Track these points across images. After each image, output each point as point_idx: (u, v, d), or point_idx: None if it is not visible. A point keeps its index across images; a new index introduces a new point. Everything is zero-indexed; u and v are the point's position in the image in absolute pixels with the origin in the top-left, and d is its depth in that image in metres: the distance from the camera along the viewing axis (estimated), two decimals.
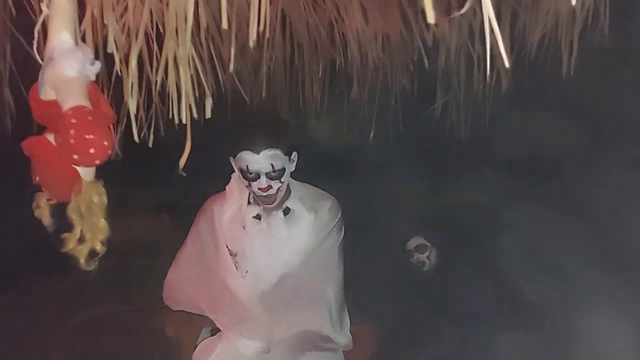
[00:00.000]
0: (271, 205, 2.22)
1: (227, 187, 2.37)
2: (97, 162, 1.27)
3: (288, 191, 2.31)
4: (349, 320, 2.35)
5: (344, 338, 2.25)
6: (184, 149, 1.25)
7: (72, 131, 1.23)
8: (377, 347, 3.36)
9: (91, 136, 1.23)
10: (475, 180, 3.63)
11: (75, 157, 1.25)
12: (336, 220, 2.33)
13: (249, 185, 2.17)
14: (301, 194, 2.34)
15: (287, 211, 2.29)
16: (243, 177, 2.17)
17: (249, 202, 2.32)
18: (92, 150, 1.24)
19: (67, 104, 1.25)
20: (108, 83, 1.81)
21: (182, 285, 2.32)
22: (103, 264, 1.41)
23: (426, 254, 3.76)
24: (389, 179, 3.91)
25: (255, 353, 2.13)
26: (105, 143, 1.24)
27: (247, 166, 2.12)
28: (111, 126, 1.41)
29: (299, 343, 2.13)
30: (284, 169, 2.16)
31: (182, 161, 1.24)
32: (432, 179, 3.84)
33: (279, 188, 2.18)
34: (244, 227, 2.25)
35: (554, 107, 3.09)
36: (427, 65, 2.80)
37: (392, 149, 3.71)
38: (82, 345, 2.79)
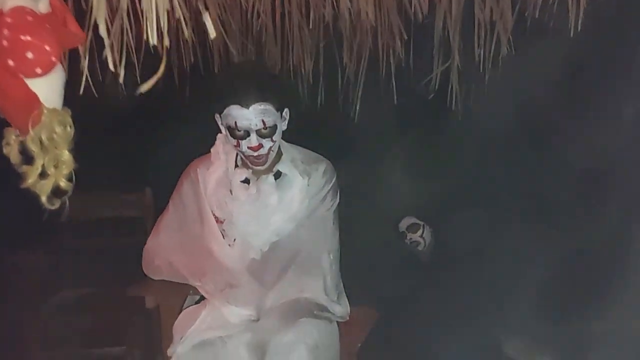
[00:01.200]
0: (261, 167, 2.03)
1: (212, 149, 2.18)
2: (39, 71, 1.06)
3: (279, 153, 2.13)
4: (344, 291, 2.17)
5: (340, 308, 2.08)
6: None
7: (5, 31, 1.02)
8: (373, 327, 3.22)
9: (28, 37, 1.04)
10: (473, 154, 3.46)
11: (11, 62, 1.05)
12: (331, 185, 2.16)
13: (238, 145, 1.99)
14: (293, 157, 2.16)
15: (278, 175, 2.11)
16: (231, 135, 1.99)
17: (236, 165, 2.14)
18: (29, 55, 1.04)
19: (7, 6, 1.05)
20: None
21: (163, 252, 2.13)
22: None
23: (419, 232, 3.58)
24: (380, 154, 3.69)
25: (244, 321, 1.95)
26: (47, 48, 1.04)
27: (235, 122, 1.94)
28: (80, 48, 1.20)
29: (292, 310, 1.96)
30: (275, 127, 1.98)
31: (150, 83, 1.03)
32: (427, 153, 3.67)
33: (270, 147, 2.00)
34: (231, 192, 2.07)
35: (559, 70, 2.92)
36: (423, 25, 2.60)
37: (384, 122, 3.54)
38: (60, 325, 2.62)
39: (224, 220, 2.07)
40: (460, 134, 3.50)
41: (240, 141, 1.97)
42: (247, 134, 1.95)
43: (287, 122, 2.07)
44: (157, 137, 3.56)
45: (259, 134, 1.96)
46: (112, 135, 3.76)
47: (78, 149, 1.26)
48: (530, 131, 3.22)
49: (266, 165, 2.04)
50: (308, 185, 2.11)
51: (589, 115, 3.12)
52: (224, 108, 1.94)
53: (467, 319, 3.29)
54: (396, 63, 3.28)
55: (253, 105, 1.93)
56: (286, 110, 2.05)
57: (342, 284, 2.16)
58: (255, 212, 2.01)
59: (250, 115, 1.93)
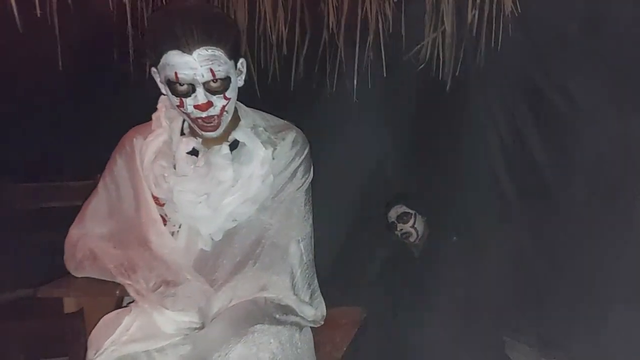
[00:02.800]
0: (213, 134, 1.61)
1: (153, 115, 1.75)
2: None
3: (236, 118, 1.71)
4: (319, 289, 1.74)
5: (311, 310, 1.65)
6: None
7: None
8: (359, 330, 2.81)
9: None
10: (469, 132, 3.05)
11: None
12: (302, 157, 1.74)
13: (181, 105, 1.56)
14: (254, 123, 1.74)
15: (234, 145, 1.69)
16: (172, 92, 1.56)
17: (182, 133, 1.71)
18: None
19: None
20: None
21: (88, 243, 1.69)
22: None
23: (410, 222, 3.16)
24: (365, 131, 3.27)
25: (182, 330, 1.51)
26: None
27: (175, 74, 1.51)
28: None
29: (245, 315, 1.52)
30: (228, 79, 1.56)
31: None
32: (418, 131, 3.25)
33: (223, 107, 1.57)
34: (174, 167, 1.64)
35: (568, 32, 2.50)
36: None
37: (369, 95, 3.11)
38: None
39: (165, 201, 1.64)
40: (452, 112, 3.07)
41: (183, 99, 1.54)
42: (192, 88, 1.53)
43: (243, 77, 1.65)
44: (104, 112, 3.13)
45: (208, 88, 1.54)
46: (46, 112, 3.31)
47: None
48: (535, 113, 2.78)
49: (219, 132, 1.62)
50: (273, 158, 1.69)
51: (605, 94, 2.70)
52: (161, 57, 1.52)
53: (465, 318, 2.93)
54: (386, 29, 2.86)
55: (197, 50, 1.50)
56: (242, 60, 1.64)
57: (316, 281, 1.74)
58: (205, 191, 1.59)
59: (193, 63, 1.50)
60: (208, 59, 1.51)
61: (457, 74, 2.63)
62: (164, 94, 1.66)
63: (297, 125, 1.82)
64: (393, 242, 3.26)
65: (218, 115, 1.59)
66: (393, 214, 3.19)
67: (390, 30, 2.86)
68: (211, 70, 1.52)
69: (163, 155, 1.66)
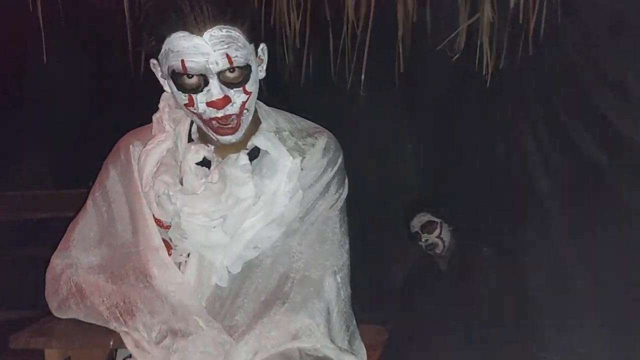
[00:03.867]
0: (231, 137, 1.29)
1: (153, 117, 1.43)
2: None
3: (256, 120, 1.39)
4: (357, 329, 1.43)
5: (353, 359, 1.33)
6: None
7: None
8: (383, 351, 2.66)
9: None
10: (504, 130, 2.73)
11: None
12: (336, 168, 1.42)
13: (190, 104, 1.24)
14: (278, 125, 1.42)
15: (254, 153, 1.36)
16: (178, 87, 1.24)
17: (189, 139, 1.39)
18: None
19: None
20: None
21: (74, 277, 1.36)
22: None
23: (436, 232, 2.87)
24: (388, 134, 2.94)
25: None
26: None
27: (182, 62, 1.19)
28: None
29: None
30: (248, 68, 1.24)
31: None
32: (443, 129, 2.92)
33: (244, 103, 1.26)
34: (180, 182, 1.32)
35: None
36: None
37: (394, 95, 2.79)
38: None
39: (170, 224, 1.31)
40: (491, 107, 2.75)
41: (193, 96, 1.22)
42: (204, 80, 1.21)
43: (264, 67, 1.33)
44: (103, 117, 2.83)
45: (223, 79, 1.22)
46: (44, 118, 2.99)
47: None
48: (584, 111, 2.46)
49: (239, 135, 1.30)
50: (302, 169, 1.36)
51: None
52: (162, 42, 1.20)
53: (497, 337, 2.66)
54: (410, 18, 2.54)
55: (209, 31, 1.19)
56: (263, 45, 1.32)
57: (354, 320, 1.41)
58: (221, 213, 1.26)
59: (205, 47, 1.19)
60: (223, 42, 1.20)
61: (500, 66, 2.31)
62: (167, 92, 1.33)
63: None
64: (416, 254, 2.98)
65: (237, 115, 1.27)
66: (416, 223, 2.90)
67: (415, 18, 2.54)
68: (227, 55, 1.20)
69: (167, 167, 1.33)
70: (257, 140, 1.37)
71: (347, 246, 1.42)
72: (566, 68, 2.45)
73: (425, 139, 3.07)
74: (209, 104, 1.24)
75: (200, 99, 1.24)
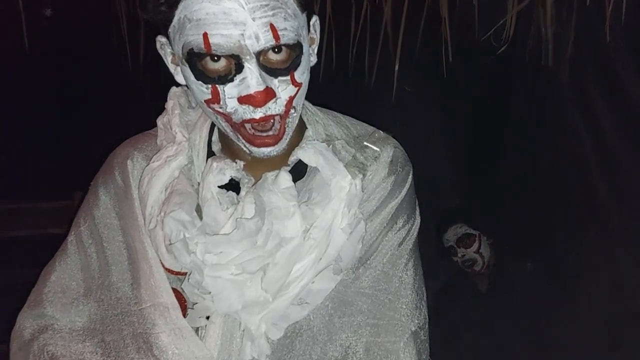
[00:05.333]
0: (272, 149, 0.91)
1: (158, 121, 1.05)
2: None
3: (300, 124, 1.01)
4: None
5: None
6: None
7: None
8: None
9: None
10: (557, 131, 2.36)
11: None
12: (405, 190, 1.03)
13: (215, 100, 0.87)
14: (328, 132, 1.04)
15: (298, 171, 0.98)
16: (196, 75, 0.87)
17: (209, 152, 1.01)
18: None
19: None
20: None
21: (51, 345, 0.97)
22: None
23: (474, 247, 2.53)
24: (418, 132, 2.62)
25: None
26: None
27: (205, 36, 0.82)
28: None
29: None
30: (299, 47, 0.88)
31: None
32: (481, 129, 2.54)
33: (291, 99, 0.89)
34: (197, 214, 0.94)
35: None
36: None
37: (430, 91, 2.42)
38: None
39: (184, 272, 0.93)
40: (541, 103, 2.40)
41: (219, 88, 0.85)
42: (237, 66, 0.84)
43: (316, 50, 0.96)
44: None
45: (265, 63, 0.84)
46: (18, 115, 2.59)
47: None
48: None
49: (281, 147, 0.92)
50: (364, 191, 0.99)
51: None
52: (176, 6, 0.83)
53: None
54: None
55: None
56: (316, 19, 0.95)
57: None
58: (258, 261, 0.89)
59: (240, 13, 0.81)
60: (267, 6, 0.82)
61: (567, 55, 1.94)
62: (180, 84, 0.96)
63: None
64: (450, 272, 2.63)
65: (282, 116, 0.90)
66: (451, 235, 2.58)
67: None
68: (272, 27, 0.83)
69: (181, 197, 0.95)
70: (302, 153, 0.99)
71: (424, 296, 1.05)
72: (624, 61, 2.09)
73: (461, 137, 2.69)
74: (243, 100, 0.86)
75: (230, 92, 0.87)
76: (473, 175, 2.81)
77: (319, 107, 1.10)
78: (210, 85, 0.87)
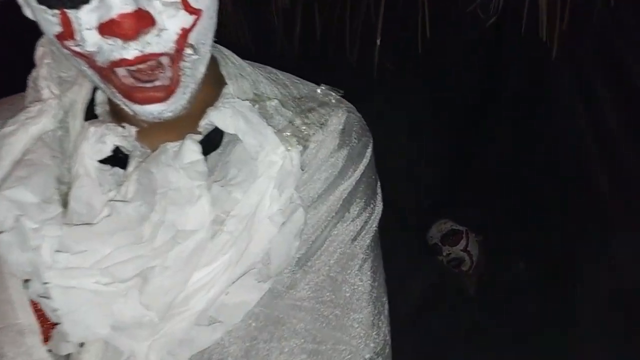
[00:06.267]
0: (159, 108, 0.64)
1: (29, 78, 0.77)
2: None
3: (216, 79, 0.74)
4: None
5: None
6: None
7: None
8: None
9: None
10: (553, 120, 2.19)
11: None
12: (362, 168, 0.79)
13: (67, 34, 0.59)
14: (258, 91, 0.78)
15: (213, 139, 0.71)
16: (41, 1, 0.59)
17: (90, 116, 0.74)
18: None
19: None
20: None
21: None
22: None
23: (461, 244, 2.39)
24: (399, 119, 2.37)
25: None
26: None
27: None
28: None
29: None
30: None
31: None
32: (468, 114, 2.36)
33: (185, 32, 0.61)
34: (60, 201, 0.67)
35: None
36: None
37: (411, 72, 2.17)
38: None
39: (43, 283, 0.67)
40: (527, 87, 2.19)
41: (72, 15, 0.59)
42: None
43: None
44: None
45: None
46: None
47: None
48: None
49: (176, 106, 0.65)
50: (302, 169, 0.73)
51: None
52: None
53: None
54: None
55: None
56: None
57: None
58: (137, 264, 0.62)
59: None
60: None
61: (562, 28, 1.70)
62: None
63: None
64: (435, 272, 2.45)
65: (173, 58, 0.63)
66: (435, 232, 2.44)
67: None
68: None
69: (32, 168, 0.69)
70: (216, 115, 0.72)
71: (385, 309, 0.79)
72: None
73: (447, 123, 2.47)
74: (105, 29, 0.59)
75: (87, 19, 0.60)
76: (460, 165, 2.62)
77: (249, 62, 0.83)
78: (57, 11, 0.60)
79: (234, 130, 0.72)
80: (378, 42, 2.02)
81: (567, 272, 2.23)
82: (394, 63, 2.05)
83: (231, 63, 0.79)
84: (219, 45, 0.80)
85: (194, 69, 0.67)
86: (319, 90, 0.84)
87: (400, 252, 2.62)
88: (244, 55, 0.89)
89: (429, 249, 2.42)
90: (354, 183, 0.79)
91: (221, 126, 0.72)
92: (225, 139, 0.74)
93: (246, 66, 0.81)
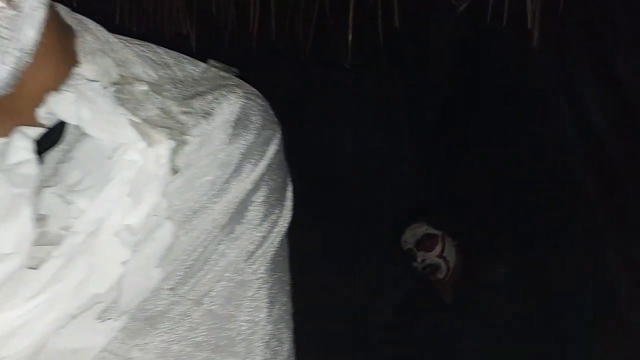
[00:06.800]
0: None
1: None
2: None
3: (65, 55, 0.58)
4: None
5: None
6: None
7: None
8: None
9: None
10: (536, 117, 2.08)
11: None
12: (262, 166, 0.62)
13: None
14: (123, 72, 0.61)
15: (57, 134, 0.55)
16: None
17: None
18: None
19: None
20: None
21: None
22: None
23: (436, 250, 2.27)
24: (370, 120, 2.31)
25: None
26: None
27: None
28: None
29: None
30: None
31: None
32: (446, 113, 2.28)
33: None
34: None
35: None
36: None
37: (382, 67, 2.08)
38: None
39: None
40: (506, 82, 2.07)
41: None
42: None
43: None
44: None
45: None
46: None
47: None
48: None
49: None
50: (176, 170, 0.57)
51: None
52: None
53: None
54: None
55: None
56: None
57: None
58: None
59: None
60: None
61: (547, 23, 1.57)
62: None
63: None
64: (408, 279, 2.40)
65: None
66: (410, 237, 2.31)
67: None
68: None
69: None
70: (57, 103, 0.56)
71: (285, 349, 0.63)
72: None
73: (423, 121, 2.34)
74: None
75: None
76: (436, 165, 2.50)
77: (124, 37, 0.67)
78: None
79: (76, 120, 0.55)
80: (350, 37, 1.87)
81: (551, 278, 2.12)
82: (361, 57, 1.91)
83: (91, 37, 0.63)
84: (80, 15, 0.64)
85: (14, 30, 0.50)
86: (212, 71, 0.67)
87: (375, 258, 2.53)
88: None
89: (403, 255, 2.29)
90: (250, 187, 0.62)
91: (61, 116, 0.56)
92: (72, 133, 0.58)
93: (115, 42, 0.65)
